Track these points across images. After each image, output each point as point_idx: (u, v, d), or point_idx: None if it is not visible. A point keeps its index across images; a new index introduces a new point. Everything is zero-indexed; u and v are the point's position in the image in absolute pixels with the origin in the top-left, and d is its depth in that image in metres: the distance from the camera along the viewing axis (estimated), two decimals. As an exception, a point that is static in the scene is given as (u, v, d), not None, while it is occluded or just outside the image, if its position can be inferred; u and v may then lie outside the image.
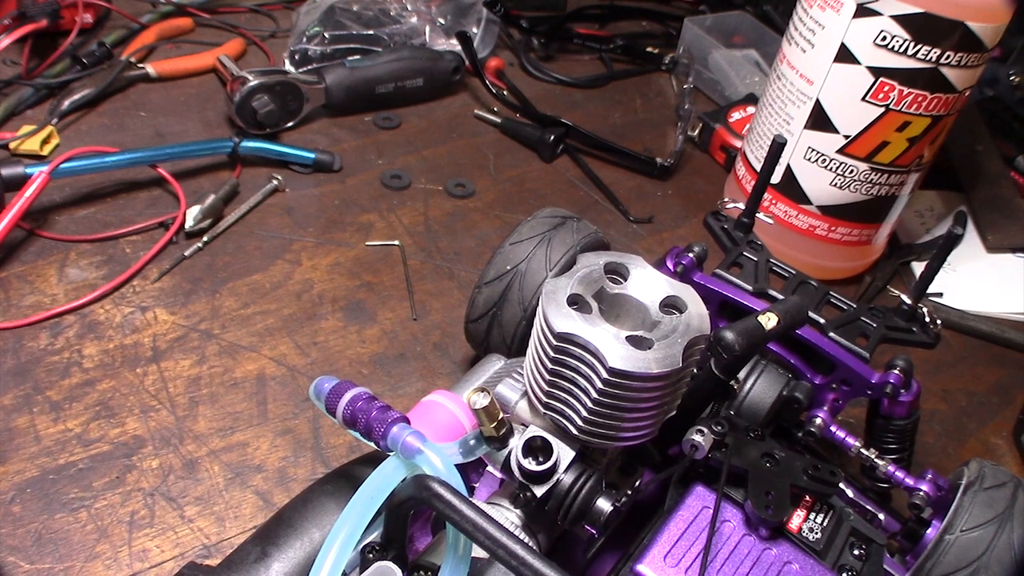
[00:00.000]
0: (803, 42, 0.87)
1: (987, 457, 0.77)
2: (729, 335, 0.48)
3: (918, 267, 1.00)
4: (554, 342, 0.47)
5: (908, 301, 0.65)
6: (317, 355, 0.78)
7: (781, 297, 0.65)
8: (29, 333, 0.75)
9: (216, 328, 0.78)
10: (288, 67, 1.11)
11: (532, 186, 1.04)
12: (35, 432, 0.67)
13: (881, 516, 0.61)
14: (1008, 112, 1.20)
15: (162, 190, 0.92)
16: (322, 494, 0.52)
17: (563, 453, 0.49)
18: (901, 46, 0.79)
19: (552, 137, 1.07)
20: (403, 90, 1.11)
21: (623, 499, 0.49)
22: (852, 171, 0.88)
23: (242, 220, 0.90)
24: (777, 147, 0.66)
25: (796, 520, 0.53)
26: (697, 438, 0.52)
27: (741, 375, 0.61)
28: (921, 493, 0.58)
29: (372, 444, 0.47)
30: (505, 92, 1.16)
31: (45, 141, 0.93)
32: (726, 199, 0.78)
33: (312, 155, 0.98)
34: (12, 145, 0.91)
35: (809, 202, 0.92)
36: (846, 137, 0.86)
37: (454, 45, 1.17)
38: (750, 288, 0.66)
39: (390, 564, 0.45)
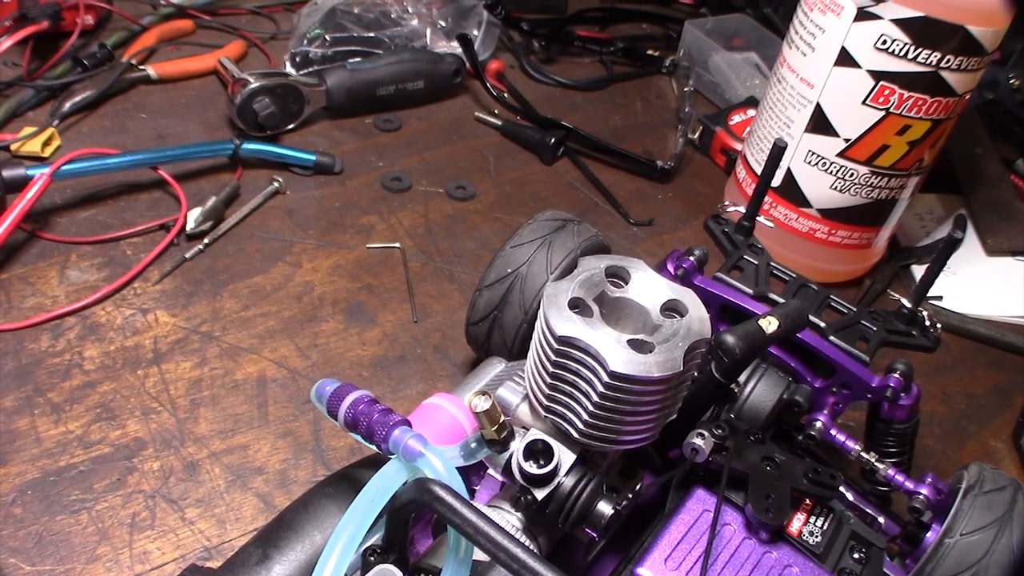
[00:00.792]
0: (804, 45, 0.87)
1: (987, 460, 0.77)
2: (730, 339, 0.48)
3: (918, 270, 1.00)
4: (555, 345, 0.47)
5: (908, 305, 0.65)
6: (318, 357, 0.78)
7: (782, 301, 0.65)
8: (30, 335, 0.75)
9: (217, 330, 0.78)
10: (289, 69, 1.11)
11: (532, 188, 1.04)
12: (36, 434, 0.67)
13: (881, 519, 0.61)
14: (1008, 115, 1.20)
15: (163, 192, 0.92)
16: (323, 497, 0.52)
17: (564, 456, 0.49)
18: (901, 50, 0.80)
19: (552, 139, 1.07)
20: (404, 92, 1.11)
21: (624, 502, 0.50)
22: (852, 174, 0.88)
23: (243, 222, 0.90)
24: (778, 150, 0.66)
25: (796, 523, 0.53)
26: (698, 441, 0.52)
27: (741, 379, 0.61)
28: (921, 497, 0.58)
29: (374, 447, 0.48)
30: (506, 94, 1.16)
31: (46, 143, 0.93)
32: (727, 202, 0.78)
33: (313, 157, 0.98)
34: (13, 147, 0.92)
35: (809, 205, 0.92)
36: (846, 140, 0.87)
37: (455, 47, 1.18)
38: (751, 292, 0.66)
39: (391, 567, 0.45)
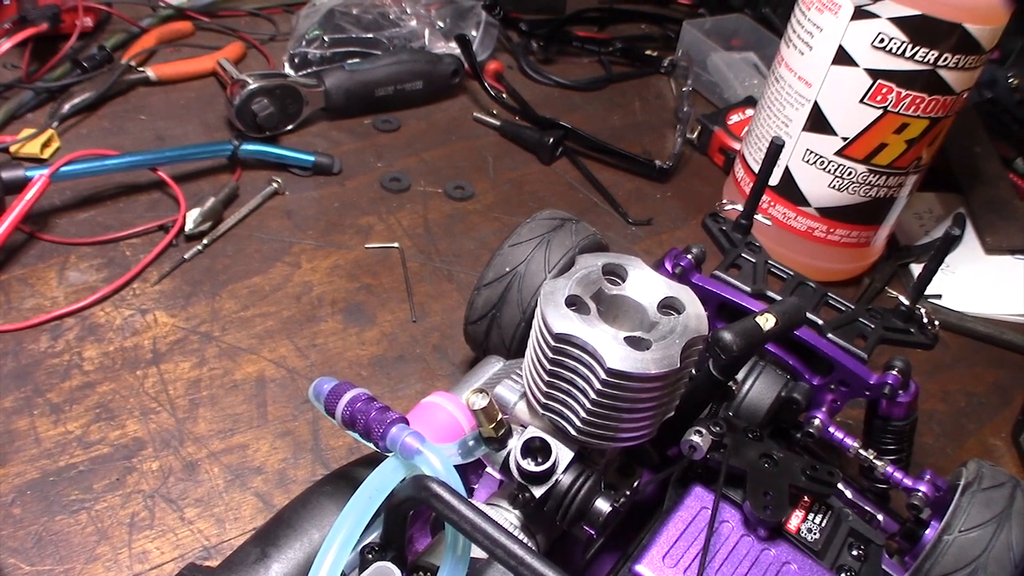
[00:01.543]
0: (801, 44, 0.88)
1: (985, 458, 0.76)
2: (727, 335, 0.48)
3: (917, 269, 1.00)
4: (552, 343, 0.47)
5: (906, 302, 0.65)
6: (316, 357, 0.78)
7: (780, 298, 0.65)
8: (29, 335, 0.75)
9: (216, 330, 0.78)
10: (288, 70, 1.11)
11: (531, 188, 1.04)
12: (35, 434, 0.67)
13: (880, 517, 0.61)
14: (1006, 114, 1.20)
15: (162, 193, 0.92)
16: (321, 495, 0.52)
17: (562, 454, 0.50)
18: (899, 48, 0.80)
19: (551, 139, 1.07)
20: (402, 93, 1.11)
21: (622, 500, 0.50)
22: (850, 173, 0.88)
23: (242, 223, 0.90)
24: (775, 149, 0.67)
25: (795, 521, 0.53)
26: (695, 439, 0.52)
27: (739, 376, 0.61)
28: (919, 494, 0.58)
29: (371, 445, 0.48)
30: (504, 95, 1.17)
31: (45, 144, 0.93)
32: (724, 201, 0.78)
33: (312, 158, 0.98)
34: (13, 148, 0.92)
35: (807, 204, 0.92)
36: (844, 139, 0.87)
37: (453, 48, 1.18)
38: (748, 289, 0.66)
39: (389, 564, 0.45)
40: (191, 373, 0.74)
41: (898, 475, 0.60)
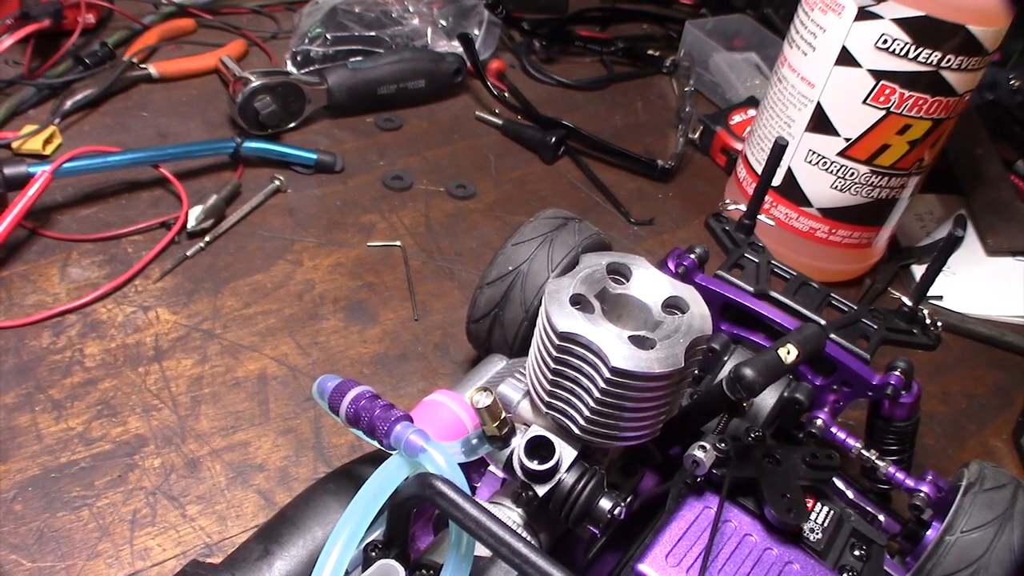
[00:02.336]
0: (804, 45, 0.88)
1: (987, 459, 0.76)
2: (749, 373, 0.48)
3: (918, 270, 1.00)
4: (557, 341, 0.47)
5: (909, 303, 0.65)
6: (318, 355, 0.78)
7: (783, 299, 0.65)
8: (31, 332, 0.75)
9: (218, 328, 0.78)
10: (290, 68, 1.11)
11: (533, 188, 1.04)
12: (37, 431, 0.67)
13: (881, 517, 0.61)
14: (1008, 116, 1.20)
15: (164, 190, 0.92)
16: (324, 492, 0.52)
17: (565, 452, 0.49)
18: (902, 49, 0.80)
19: (553, 139, 1.07)
20: (405, 91, 1.11)
21: (629, 499, 0.50)
22: (853, 174, 0.88)
23: (244, 220, 0.90)
24: (779, 149, 0.67)
25: (797, 520, 0.53)
26: (699, 454, 0.51)
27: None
28: (921, 494, 0.58)
29: (375, 443, 0.48)
30: (506, 94, 1.17)
31: (47, 141, 0.93)
32: (727, 200, 0.78)
33: (314, 156, 0.98)
34: (15, 144, 0.92)
35: (810, 204, 0.92)
36: (847, 140, 0.87)
37: (456, 47, 1.18)
38: (751, 289, 0.66)
39: (393, 562, 0.45)
40: (193, 370, 0.74)
41: (900, 476, 0.60)
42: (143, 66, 1.07)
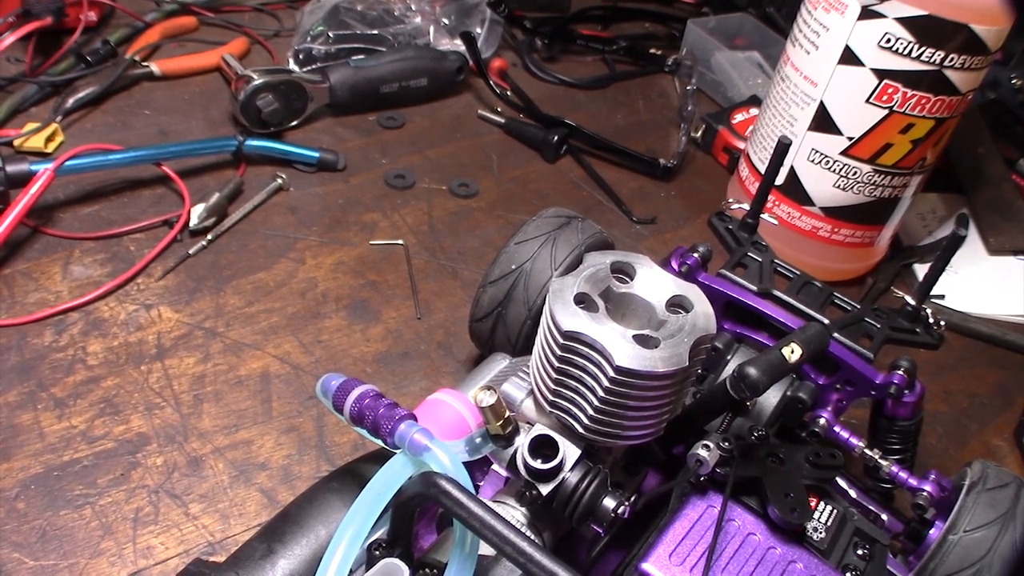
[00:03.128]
0: (807, 44, 0.88)
1: (989, 458, 0.76)
2: (754, 372, 0.48)
3: (920, 269, 1.00)
4: (561, 340, 0.47)
5: (912, 302, 0.65)
6: (321, 353, 0.78)
7: (786, 298, 0.65)
8: (33, 330, 0.75)
9: (220, 326, 0.78)
10: (292, 66, 1.11)
11: (535, 186, 1.04)
12: (39, 429, 0.67)
13: (884, 516, 0.61)
14: (1010, 115, 1.20)
15: (166, 188, 0.92)
16: (328, 491, 0.52)
17: (569, 451, 0.49)
18: (905, 48, 0.80)
19: (555, 137, 1.07)
20: (407, 90, 1.11)
21: (631, 498, 0.50)
22: (855, 173, 0.88)
23: (246, 218, 0.90)
24: (783, 148, 0.67)
25: (800, 520, 0.53)
26: (703, 453, 0.51)
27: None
28: (924, 494, 0.58)
29: (379, 441, 0.48)
30: (509, 92, 1.16)
31: (49, 139, 0.93)
32: (731, 199, 0.78)
33: (316, 154, 0.98)
34: (17, 142, 0.92)
35: (812, 203, 0.92)
36: (850, 139, 0.87)
37: (458, 45, 1.18)
38: (755, 288, 0.66)
39: (396, 561, 0.45)
40: (195, 368, 0.74)
41: (903, 475, 0.60)
42: (145, 64, 1.07)
